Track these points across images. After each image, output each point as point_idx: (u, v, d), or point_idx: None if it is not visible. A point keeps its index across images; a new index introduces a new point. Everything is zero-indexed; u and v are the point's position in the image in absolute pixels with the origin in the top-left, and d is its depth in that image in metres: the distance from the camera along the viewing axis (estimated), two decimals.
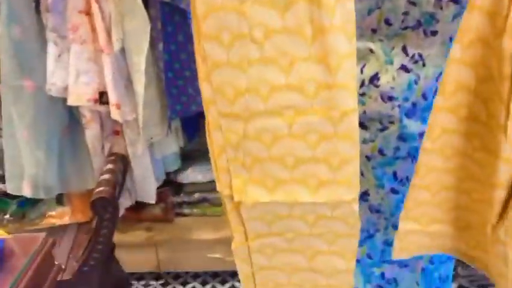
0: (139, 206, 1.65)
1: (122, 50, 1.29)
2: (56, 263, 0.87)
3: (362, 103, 0.83)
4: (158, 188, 1.59)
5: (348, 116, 0.71)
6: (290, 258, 0.88)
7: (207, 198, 1.72)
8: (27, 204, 1.69)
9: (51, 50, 1.27)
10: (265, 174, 0.77)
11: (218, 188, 0.82)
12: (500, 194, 0.75)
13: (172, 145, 1.57)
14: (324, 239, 0.84)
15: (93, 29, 1.27)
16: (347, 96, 0.69)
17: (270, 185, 0.78)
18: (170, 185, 1.70)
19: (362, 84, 0.81)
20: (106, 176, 1.25)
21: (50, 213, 1.66)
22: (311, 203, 0.79)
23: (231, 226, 0.86)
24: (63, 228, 1.49)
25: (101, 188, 1.20)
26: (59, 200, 1.67)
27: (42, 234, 0.81)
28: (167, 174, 1.65)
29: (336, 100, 0.69)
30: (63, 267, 1.28)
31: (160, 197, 1.66)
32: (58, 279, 1.25)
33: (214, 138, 0.77)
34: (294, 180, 0.77)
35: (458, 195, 0.84)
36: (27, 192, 1.38)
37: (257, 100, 0.71)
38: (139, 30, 1.26)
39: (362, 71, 0.80)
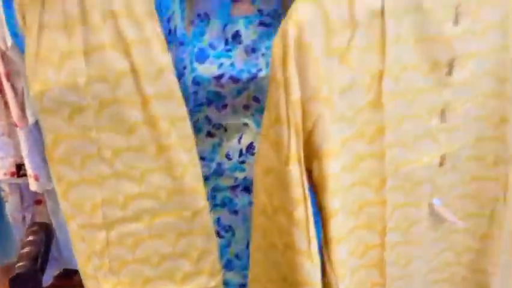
0: (69, 272, 1.63)
1: (37, 123, 1.32)
2: None
3: (242, 170, 0.91)
4: None
5: (201, 214, 0.80)
6: None
7: None
8: None
9: None
10: (133, 275, 0.83)
11: None
12: None
13: None
14: None
15: (6, 105, 1.29)
16: (196, 197, 0.79)
17: (138, 285, 0.84)
18: None
19: (241, 153, 0.90)
20: (26, 249, 1.25)
21: None
22: None
23: None
24: None
25: (20, 263, 1.19)
26: None
27: None
28: None
29: (186, 203, 0.78)
30: None
31: None
32: None
33: (78, 249, 0.83)
34: (160, 276, 0.84)
35: None
36: None
37: (115, 209, 0.78)
38: None
39: (239, 142, 0.90)
